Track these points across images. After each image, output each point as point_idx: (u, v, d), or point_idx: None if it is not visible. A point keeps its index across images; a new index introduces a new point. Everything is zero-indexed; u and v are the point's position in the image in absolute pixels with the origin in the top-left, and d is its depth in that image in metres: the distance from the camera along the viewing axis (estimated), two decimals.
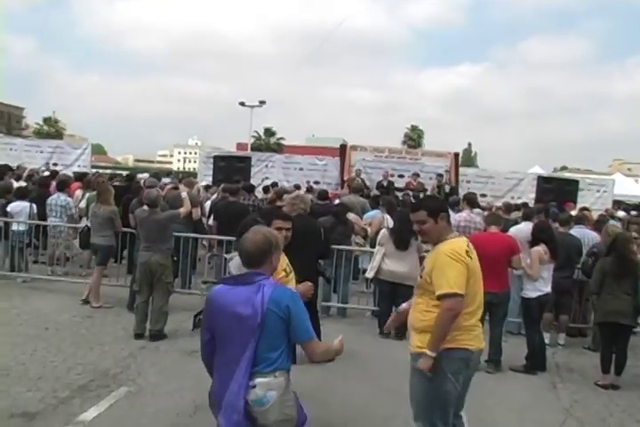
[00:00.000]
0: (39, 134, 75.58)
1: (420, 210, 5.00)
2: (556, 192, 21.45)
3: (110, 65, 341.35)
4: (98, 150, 79.20)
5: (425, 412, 4.87)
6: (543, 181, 23.06)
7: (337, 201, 14.89)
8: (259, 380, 3.97)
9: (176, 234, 10.42)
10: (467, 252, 4.83)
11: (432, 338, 4.69)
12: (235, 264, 5.27)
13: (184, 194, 10.71)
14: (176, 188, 12.70)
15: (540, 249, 8.93)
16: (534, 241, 9.12)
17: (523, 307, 9.11)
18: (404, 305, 5.35)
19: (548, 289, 8.94)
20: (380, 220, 12.01)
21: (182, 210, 9.88)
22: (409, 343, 4.98)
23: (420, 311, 4.87)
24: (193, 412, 6.44)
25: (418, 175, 22.21)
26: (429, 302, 4.81)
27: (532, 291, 8.90)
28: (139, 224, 9.53)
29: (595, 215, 14.36)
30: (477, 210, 14.32)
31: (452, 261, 4.72)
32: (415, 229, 5.06)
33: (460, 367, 4.85)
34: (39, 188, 14.42)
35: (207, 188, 18.52)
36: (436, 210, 4.98)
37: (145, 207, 9.42)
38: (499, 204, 19.19)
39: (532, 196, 22.44)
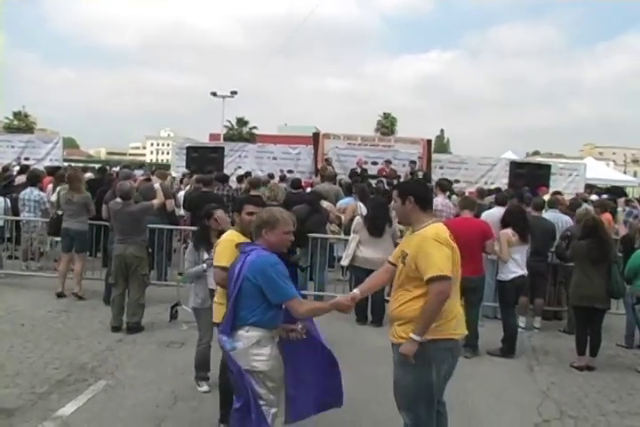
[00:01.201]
0: (9, 129, 74.62)
1: (394, 189, 5.15)
2: (529, 177, 21.57)
3: (82, 59, 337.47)
4: (70, 144, 78.62)
5: (410, 403, 4.87)
6: (516, 166, 23.19)
7: (308, 189, 14.89)
8: (233, 332, 4.67)
9: (150, 226, 10.39)
10: (449, 236, 4.84)
11: (421, 323, 4.62)
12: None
13: (157, 185, 10.64)
14: (148, 179, 12.62)
15: (508, 231, 9.01)
16: (503, 224, 9.20)
17: (498, 290, 9.20)
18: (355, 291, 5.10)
19: (523, 271, 9.01)
20: (353, 207, 12.01)
21: (155, 201, 9.82)
22: (390, 334, 4.91)
23: (403, 301, 4.81)
24: (172, 403, 6.45)
25: (390, 162, 22.29)
26: (413, 291, 4.75)
27: (506, 273, 8.99)
28: (112, 217, 9.49)
29: (567, 199, 14.46)
30: (454, 197, 14.43)
31: (438, 245, 4.70)
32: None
33: (446, 357, 4.87)
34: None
35: (184, 176, 18.43)
36: (404, 191, 5.01)
37: (118, 199, 9.36)
38: (472, 189, 19.35)
39: (505, 181, 22.56)
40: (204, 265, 6.70)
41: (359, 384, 6.79)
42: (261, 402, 4.68)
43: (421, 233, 4.83)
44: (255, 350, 4.63)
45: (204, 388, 6.74)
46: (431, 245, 4.69)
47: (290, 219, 4.87)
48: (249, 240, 5.21)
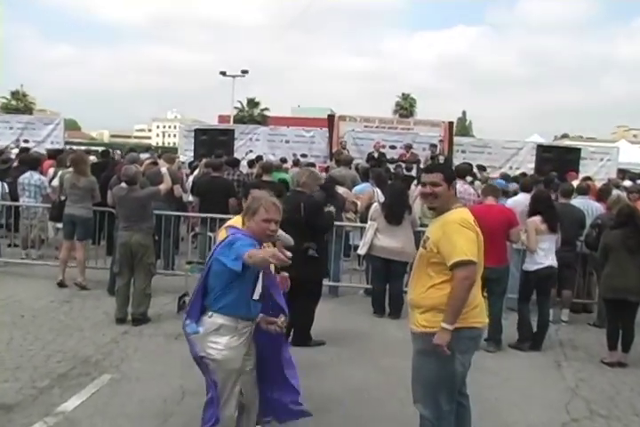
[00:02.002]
0: (7, 109, 74.75)
1: (437, 172, 5.01)
2: (557, 162, 21.44)
3: (83, 34, 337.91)
4: (71, 126, 78.50)
5: (431, 394, 4.89)
6: (543, 150, 23.01)
7: (323, 174, 14.84)
8: (201, 316, 4.81)
9: (157, 212, 10.38)
10: (474, 221, 4.87)
11: (449, 310, 4.65)
12: None
13: (164, 169, 10.64)
14: (155, 163, 12.61)
15: (536, 220, 8.95)
16: (531, 212, 9.15)
17: (520, 280, 9.15)
18: None
19: (549, 262, 8.94)
20: (370, 193, 11.96)
21: (162, 186, 9.81)
22: (411, 323, 4.95)
23: (424, 288, 4.84)
24: (181, 398, 6.46)
25: (410, 146, 22.14)
26: (435, 277, 4.79)
27: (531, 264, 8.96)
28: (117, 203, 9.48)
29: (598, 185, 14.36)
30: (477, 182, 14.36)
31: (462, 228, 4.75)
32: (426, 191, 4.98)
33: (470, 347, 4.92)
34: (20, 166, 14.32)
35: (190, 165, 18.41)
36: (451, 176, 5.06)
37: (123, 185, 9.37)
38: (495, 175, 19.25)
39: (532, 166, 22.40)
40: None
41: (378, 378, 6.79)
42: (215, 389, 4.85)
43: (447, 217, 4.88)
44: (213, 337, 4.76)
45: None
46: (455, 228, 4.74)
47: (274, 207, 4.85)
48: None
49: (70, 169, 11.39)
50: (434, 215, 5.09)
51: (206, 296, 4.83)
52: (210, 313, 4.79)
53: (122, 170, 9.80)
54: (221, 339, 4.76)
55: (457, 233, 4.72)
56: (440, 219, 4.93)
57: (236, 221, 5.61)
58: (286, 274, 5.50)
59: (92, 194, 11.04)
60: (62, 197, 11.37)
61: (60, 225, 11.94)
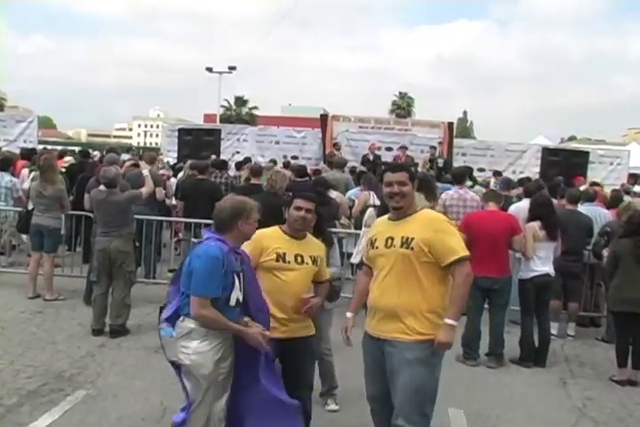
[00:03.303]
0: None
1: (402, 171, 5.14)
2: (564, 165, 21.50)
3: (58, 26, 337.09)
4: (46, 124, 78.61)
5: (420, 406, 4.90)
6: (549, 154, 23.08)
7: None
8: (176, 321, 5.00)
9: (138, 217, 10.34)
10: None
11: (455, 306, 4.79)
12: None
13: (145, 172, 10.61)
14: (136, 164, 12.57)
15: (535, 225, 8.93)
16: (531, 217, 9.14)
17: (518, 290, 9.11)
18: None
19: (546, 269, 8.91)
20: (365, 197, 11.93)
21: (144, 190, 9.77)
22: (396, 331, 4.90)
23: (414, 292, 4.86)
24: (161, 416, 6.41)
25: (406, 148, 22.14)
26: (424, 279, 4.85)
27: (526, 271, 8.94)
28: (95, 207, 9.42)
29: (607, 191, 14.38)
30: (477, 187, 14.31)
31: (451, 226, 5.02)
32: (393, 190, 5.04)
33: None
34: None
35: (173, 167, 18.37)
36: (414, 175, 5.23)
37: (102, 187, 9.32)
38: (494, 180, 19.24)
39: (537, 170, 22.48)
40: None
41: None
42: (187, 396, 5.05)
43: (426, 215, 5.08)
44: (183, 341, 4.92)
45: None
46: (446, 226, 4.97)
47: (257, 208, 5.24)
48: (292, 239, 5.66)
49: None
50: (397, 216, 5.12)
51: (179, 300, 5.05)
52: (182, 317, 4.96)
53: (100, 172, 9.75)
54: (191, 343, 4.91)
55: (449, 231, 4.94)
56: (415, 218, 5.03)
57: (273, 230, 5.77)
58: (308, 296, 5.58)
59: (60, 203, 10.88)
60: (30, 207, 11.25)
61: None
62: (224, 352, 4.98)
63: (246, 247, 5.48)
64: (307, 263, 5.58)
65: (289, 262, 5.55)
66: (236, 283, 4.97)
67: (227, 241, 5.03)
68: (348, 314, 5.43)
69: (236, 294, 4.99)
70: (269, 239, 5.64)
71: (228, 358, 5.04)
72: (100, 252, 9.13)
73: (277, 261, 5.55)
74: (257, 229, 5.57)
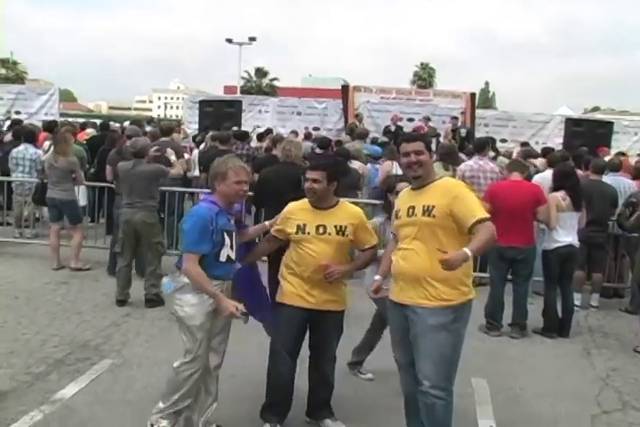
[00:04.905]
0: None
1: (417, 141, 5.15)
2: (588, 136, 21.23)
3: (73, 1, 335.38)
4: (66, 97, 78.56)
5: (445, 370, 4.96)
6: (572, 124, 22.81)
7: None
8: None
9: (161, 188, 10.32)
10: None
11: (480, 244, 4.68)
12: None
13: (173, 158, 10.59)
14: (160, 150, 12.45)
15: (558, 195, 8.85)
16: (555, 187, 9.07)
17: (542, 261, 9.08)
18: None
19: (570, 240, 8.84)
20: (388, 167, 11.88)
21: (173, 171, 9.79)
22: (420, 297, 4.92)
23: (433, 259, 4.82)
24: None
25: (429, 119, 22.05)
26: (448, 245, 4.86)
27: (549, 242, 8.90)
28: (121, 178, 9.41)
29: (632, 161, 14.26)
30: (501, 158, 14.19)
31: (470, 191, 5.05)
32: (411, 160, 5.05)
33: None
34: (13, 139, 14.28)
35: (194, 139, 18.32)
36: (430, 145, 5.27)
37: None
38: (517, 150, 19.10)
39: (560, 141, 22.24)
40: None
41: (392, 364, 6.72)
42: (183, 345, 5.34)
43: (443, 183, 5.11)
44: (178, 295, 5.27)
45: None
46: (465, 191, 5.01)
47: (242, 170, 5.36)
48: (316, 209, 5.65)
49: None
50: (417, 185, 5.15)
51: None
52: (178, 272, 5.30)
53: (131, 141, 9.68)
54: (184, 296, 5.23)
55: (468, 195, 4.96)
56: (435, 186, 5.04)
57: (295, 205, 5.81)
58: (325, 262, 5.53)
59: (72, 176, 10.93)
60: (44, 180, 11.31)
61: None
62: (213, 307, 5.21)
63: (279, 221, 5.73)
64: (329, 233, 5.53)
65: (308, 234, 5.54)
66: (226, 241, 5.25)
67: (217, 202, 5.31)
68: (377, 277, 5.46)
69: (227, 251, 5.27)
70: (294, 211, 5.70)
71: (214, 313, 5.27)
72: (124, 223, 9.16)
73: (297, 233, 5.58)
74: (274, 199, 5.67)
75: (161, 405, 5.40)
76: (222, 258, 5.26)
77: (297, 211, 5.69)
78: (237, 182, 5.30)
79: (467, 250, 4.60)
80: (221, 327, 5.43)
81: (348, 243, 5.63)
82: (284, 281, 5.71)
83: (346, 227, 5.56)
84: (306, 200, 5.73)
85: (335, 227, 5.55)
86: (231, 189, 5.30)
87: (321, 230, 5.54)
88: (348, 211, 5.71)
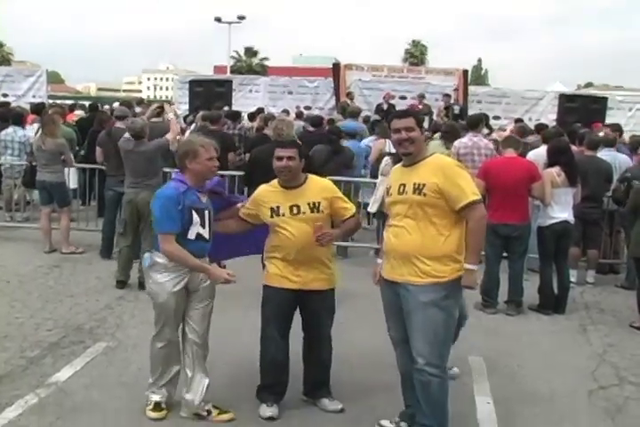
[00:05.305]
0: None
1: (409, 117, 5.15)
2: (582, 112, 21.24)
3: None
4: (54, 79, 77.73)
5: (438, 347, 4.98)
6: (566, 100, 22.81)
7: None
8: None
9: None
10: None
11: (473, 250, 4.96)
12: None
13: (170, 115, 10.50)
14: (161, 107, 12.30)
15: (553, 171, 8.84)
16: (550, 163, 9.06)
17: (537, 237, 9.09)
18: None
19: (565, 216, 8.82)
20: (380, 145, 11.85)
21: (169, 136, 9.46)
22: (410, 275, 4.95)
23: (428, 236, 4.91)
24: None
25: (423, 97, 22.01)
26: (439, 223, 4.92)
27: (544, 219, 8.91)
28: (123, 157, 9.32)
29: (626, 137, 14.25)
30: (494, 135, 14.18)
31: (461, 170, 5.06)
32: (402, 136, 5.05)
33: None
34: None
35: (185, 119, 18.25)
36: (421, 121, 5.27)
37: (127, 135, 9.22)
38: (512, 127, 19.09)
39: (553, 117, 22.26)
40: None
41: (388, 345, 6.75)
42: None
43: (435, 161, 5.09)
44: (150, 272, 5.48)
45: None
46: (457, 171, 5.00)
47: (211, 146, 5.47)
48: (286, 190, 5.63)
49: None
50: (408, 162, 5.16)
51: None
52: (152, 250, 5.50)
53: (128, 123, 9.59)
54: (154, 274, 5.44)
55: (460, 175, 4.96)
56: (426, 164, 5.05)
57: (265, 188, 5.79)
58: (319, 223, 5.50)
59: (61, 158, 10.90)
60: (33, 162, 11.28)
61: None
62: (181, 286, 5.40)
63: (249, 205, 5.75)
64: (303, 213, 5.51)
65: (283, 215, 5.53)
66: (194, 219, 5.33)
67: (186, 181, 5.40)
68: (379, 260, 5.48)
69: (196, 229, 5.37)
70: (265, 195, 5.68)
71: (185, 292, 5.46)
72: (127, 204, 9.12)
73: (272, 216, 5.57)
74: (266, 178, 5.69)
75: (150, 380, 5.64)
76: (191, 236, 5.36)
77: (268, 193, 5.68)
78: (209, 159, 5.42)
79: (468, 266, 4.90)
80: (198, 303, 5.55)
81: (325, 218, 5.59)
82: (268, 264, 5.72)
83: (319, 203, 5.53)
84: (275, 182, 5.72)
85: (309, 204, 5.52)
86: (203, 166, 5.40)
87: (295, 210, 5.52)
88: (318, 186, 5.67)
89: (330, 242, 5.57)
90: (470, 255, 4.92)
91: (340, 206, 5.65)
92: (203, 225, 5.40)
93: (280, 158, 5.56)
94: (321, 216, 5.53)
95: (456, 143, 10.85)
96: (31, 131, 13.14)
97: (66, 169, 11.24)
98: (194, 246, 5.36)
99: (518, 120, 18.93)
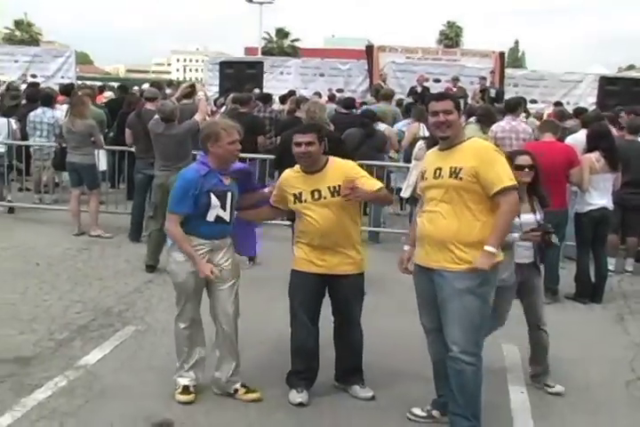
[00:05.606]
0: (10, 41, 74.49)
1: (447, 99, 5.13)
2: (623, 95, 21.04)
3: None
4: (83, 60, 78.34)
5: (473, 335, 4.99)
6: (606, 83, 22.62)
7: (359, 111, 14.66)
8: None
9: None
10: None
11: (497, 234, 4.89)
12: None
13: (200, 94, 10.49)
14: (192, 86, 12.28)
15: (592, 156, 8.74)
16: (589, 148, 8.97)
17: (574, 224, 9.02)
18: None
19: (604, 203, 8.74)
20: (414, 129, 11.80)
21: (198, 117, 9.54)
22: (446, 261, 4.94)
23: (464, 222, 4.91)
24: (212, 350, 6.50)
25: (458, 79, 21.86)
26: (475, 208, 4.91)
27: (582, 205, 8.83)
28: (153, 140, 9.38)
29: None
30: (531, 119, 14.07)
31: (499, 155, 5.01)
32: (439, 119, 5.02)
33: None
34: (28, 103, 14.32)
35: (215, 102, 18.29)
36: (459, 104, 5.23)
37: (157, 117, 9.27)
38: (550, 110, 18.92)
39: (593, 100, 22.07)
40: (515, 235, 5.67)
41: (419, 332, 6.75)
42: None
43: (472, 145, 5.07)
44: (170, 251, 5.70)
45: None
46: (494, 155, 4.99)
47: (234, 129, 5.49)
48: (307, 175, 5.64)
49: None
50: (445, 146, 5.14)
51: None
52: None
53: (158, 106, 9.63)
54: (173, 253, 5.59)
55: (497, 159, 4.95)
56: (463, 148, 5.03)
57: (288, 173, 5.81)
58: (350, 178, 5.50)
59: (91, 139, 10.98)
60: (63, 144, 11.35)
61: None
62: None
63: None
64: (324, 197, 5.52)
65: (305, 201, 5.56)
66: (213, 201, 5.38)
67: (208, 163, 5.47)
68: (406, 247, 5.50)
69: (216, 212, 5.43)
70: (288, 180, 5.72)
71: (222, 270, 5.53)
72: (158, 187, 9.17)
73: (295, 202, 5.61)
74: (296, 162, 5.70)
75: (177, 364, 5.76)
76: (210, 218, 5.43)
77: (291, 179, 5.71)
78: (231, 143, 5.44)
79: (487, 248, 4.83)
80: (222, 284, 5.61)
81: (348, 202, 5.53)
82: (296, 248, 5.78)
83: (339, 186, 5.49)
84: (297, 167, 5.73)
85: (329, 189, 5.52)
86: (225, 150, 5.43)
87: (316, 195, 5.54)
88: (339, 169, 5.63)
89: (358, 198, 5.54)
90: (492, 237, 4.85)
91: (364, 186, 5.52)
92: (223, 207, 5.46)
93: (299, 144, 5.55)
94: (343, 200, 5.50)
95: (493, 127, 10.76)
96: (60, 112, 13.22)
97: (96, 151, 11.29)
98: (213, 229, 5.47)
99: (557, 104, 18.78)
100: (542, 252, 6.14)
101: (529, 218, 5.87)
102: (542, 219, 6.03)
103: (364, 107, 14.67)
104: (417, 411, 5.49)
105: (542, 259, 6.28)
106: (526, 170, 5.91)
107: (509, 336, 7.02)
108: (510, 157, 5.84)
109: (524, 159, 5.97)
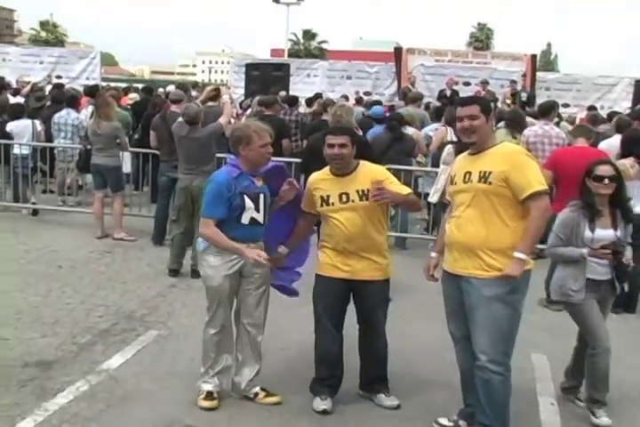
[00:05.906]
0: (36, 42, 75.19)
1: (473, 104, 5.08)
2: None
3: None
4: (108, 61, 78.74)
5: (502, 344, 4.96)
6: None
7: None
8: None
9: None
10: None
11: (528, 241, 4.84)
12: None
13: (225, 97, 10.52)
14: (217, 90, 12.33)
15: (627, 162, 8.66)
16: (623, 154, 8.89)
17: None
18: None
19: (637, 210, 8.64)
20: (442, 133, 11.77)
21: (223, 120, 9.55)
22: (475, 268, 4.92)
23: (493, 227, 4.89)
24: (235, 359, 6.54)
25: (487, 83, 21.79)
26: (504, 214, 4.88)
27: None
28: (177, 142, 9.39)
29: None
30: (563, 123, 14.00)
31: (530, 159, 4.98)
32: (464, 125, 5.01)
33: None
34: (53, 104, 14.42)
35: (241, 104, 18.36)
36: (488, 107, 5.16)
37: (181, 120, 9.27)
38: (583, 115, 18.81)
39: (628, 104, 21.86)
40: (584, 250, 5.59)
41: (446, 339, 6.73)
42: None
43: (502, 150, 5.03)
44: (203, 255, 5.60)
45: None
46: (525, 159, 4.95)
47: (265, 132, 5.50)
48: (337, 177, 5.64)
49: None
50: (474, 151, 5.11)
51: None
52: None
53: (183, 109, 9.66)
54: (207, 257, 5.55)
55: (528, 164, 4.92)
56: (493, 152, 5.00)
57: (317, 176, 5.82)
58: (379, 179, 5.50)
59: (116, 141, 11.02)
60: (88, 146, 11.39)
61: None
62: (235, 270, 5.51)
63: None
64: (352, 201, 5.52)
65: (332, 204, 5.57)
66: (247, 204, 5.41)
67: (240, 166, 5.50)
68: (433, 254, 5.48)
69: (250, 214, 5.46)
70: (316, 182, 5.71)
71: (238, 276, 5.58)
72: (182, 190, 9.19)
73: (322, 205, 5.62)
74: (324, 165, 5.73)
75: (202, 369, 5.74)
76: (244, 221, 5.46)
77: (319, 182, 5.71)
78: (263, 146, 5.45)
79: (517, 255, 4.77)
80: (253, 289, 5.66)
81: (375, 207, 5.54)
82: (320, 253, 5.78)
83: (368, 190, 5.47)
84: (327, 169, 5.73)
85: (357, 192, 5.52)
86: (257, 153, 5.45)
87: (344, 199, 5.54)
88: (368, 173, 5.62)
89: (387, 201, 5.51)
90: (523, 243, 4.81)
91: (393, 189, 5.52)
92: (257, 209, 5.48)
93: (332, 146, 5.55)
94: (370, 205, 5.50)
95: (526, 132, 10.71)
96: (85, 114, 13.32)
97: (120, 153, 11.36)
98: (247, 232, 5.48)
99: (591, 108, 18.65)
100: (618, 270, 5.82)
101: (606, 234, 5.64)
102: (624, 236, 5.77)
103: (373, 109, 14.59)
104: (443, 421, 5.47)
105: (620, 278, 5.89)
106: (606, 181, 5.66)
107: (539, 345, 7.00)
108: (589, 167, 5.83)
109: (603, 169, 5.73)
